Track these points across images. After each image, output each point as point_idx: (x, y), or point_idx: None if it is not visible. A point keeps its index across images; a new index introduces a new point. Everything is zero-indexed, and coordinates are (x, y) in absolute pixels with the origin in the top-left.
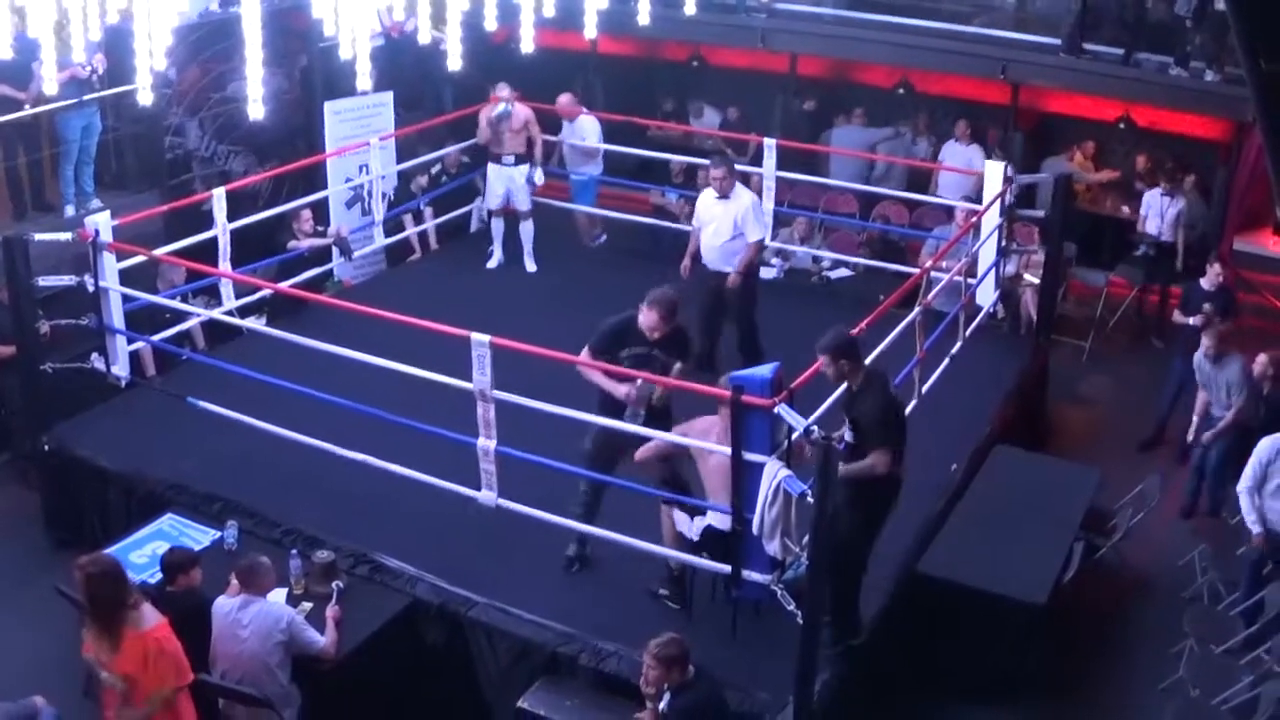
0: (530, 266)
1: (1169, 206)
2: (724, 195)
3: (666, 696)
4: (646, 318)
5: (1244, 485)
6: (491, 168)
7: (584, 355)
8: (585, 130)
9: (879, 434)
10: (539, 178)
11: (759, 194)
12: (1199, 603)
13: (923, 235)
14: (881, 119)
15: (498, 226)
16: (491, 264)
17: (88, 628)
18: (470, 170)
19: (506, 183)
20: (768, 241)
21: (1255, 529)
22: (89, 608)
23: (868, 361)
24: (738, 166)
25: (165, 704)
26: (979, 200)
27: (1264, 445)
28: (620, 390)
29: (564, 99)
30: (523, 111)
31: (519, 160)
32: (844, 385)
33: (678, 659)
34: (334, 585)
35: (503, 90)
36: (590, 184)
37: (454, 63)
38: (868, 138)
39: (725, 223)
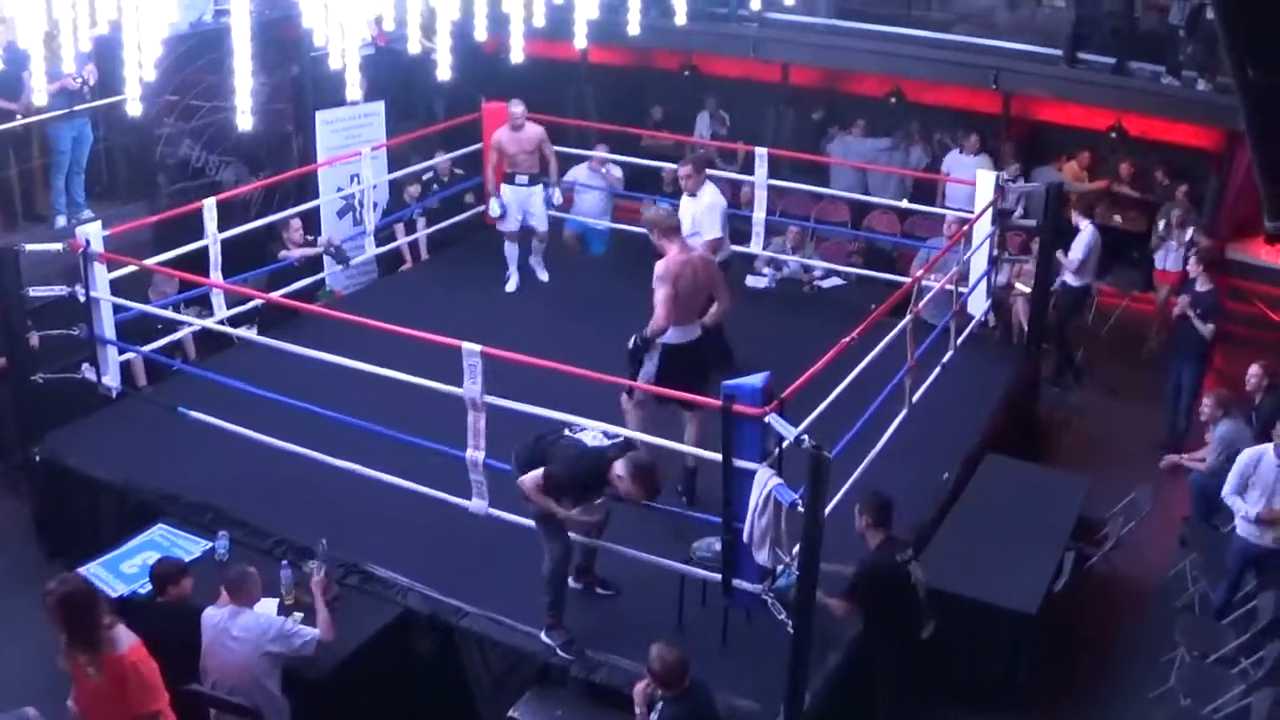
0: (543, 275)
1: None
2: (690, 193)
3: (659, 707)
4: (627, 489)
5: (1227, 491)
6: (505, 188)
7: (539, 486)
8: (615, 177)
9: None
10: (557, 197)
11: (750, 203)
12: (1190, 612)
13: (914, 244)
14: (873, 129)
15: (511, 251)
16: (510, 287)
17: (63, 651)
18: (463, 180)
19: (523, 204)
20: (759, 251)
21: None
22: (66, 629)
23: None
24: (728, 174)
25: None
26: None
27: (1244, 456)
28: (579, 520)
29: (599, 153)
30: (535, 131)
31: (534, 180)
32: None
33: (675, 670)
34: (320, 542)
35: (516, 106)
36: (606, 234)
37: (444, 73)
38: (867, 149)
39: (685, 220)
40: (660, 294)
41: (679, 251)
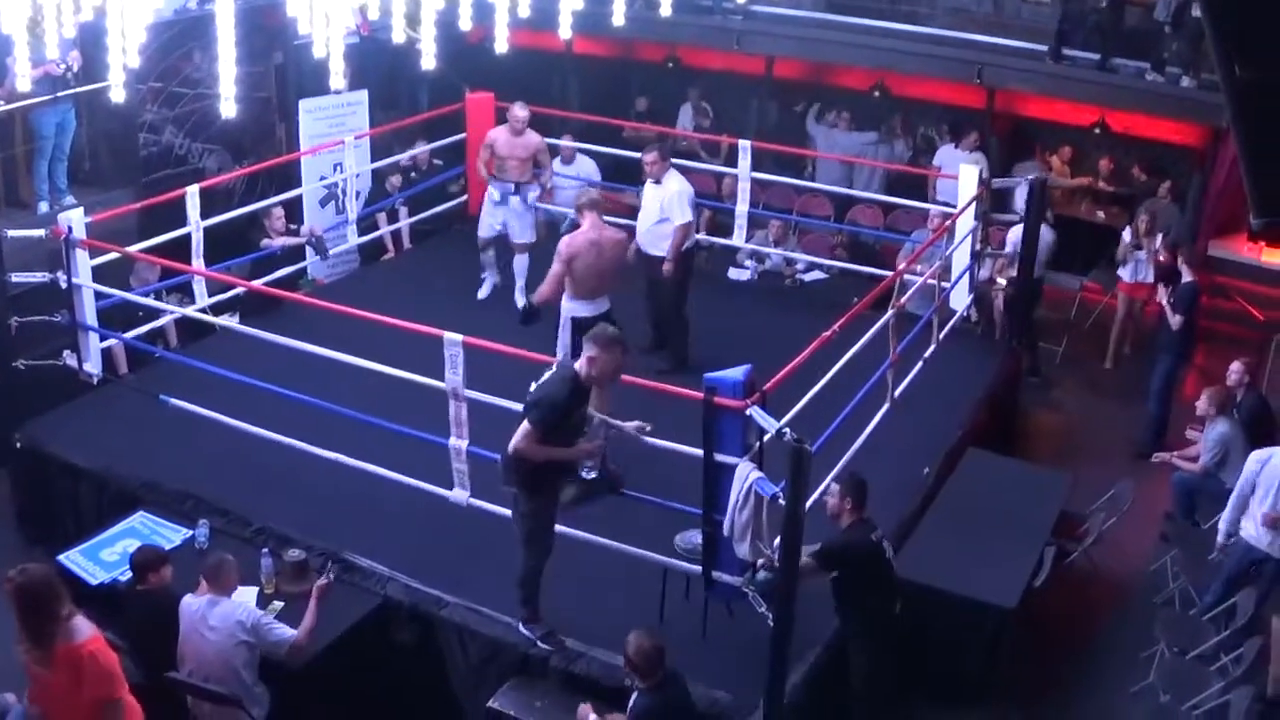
0: (520, 301)
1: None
2: (655, 180)
3: (633, 698)
4: (603, 363)
5: (1233, 500)
6: (488, 192)
7: (529, 436)
8: (586, 169)
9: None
10: (532, 196)
11: (733, 196)
12: (1170, 608)
13: (896, 238)
14: (858, 122)
15: (488, 258)
16: (483, 293)
17: (19, 639)
18: (443, 171)
19: (503, 213)
20: (741, 244)
21: (1221, 539)
22: (19, 619)
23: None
24: (711, 166)
25: (114, 715)
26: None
27: (1250, 461)
28: (584, 450)
29: (565, 142)
30: (534, 139)
31: (518, 189)
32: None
33: (651, 657)
34: (329, 573)
35: (520, 110)
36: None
37: (428, 62)
38: (853, 142)
39: (653, 206)
40: (552, 269)
41: (589, 229)
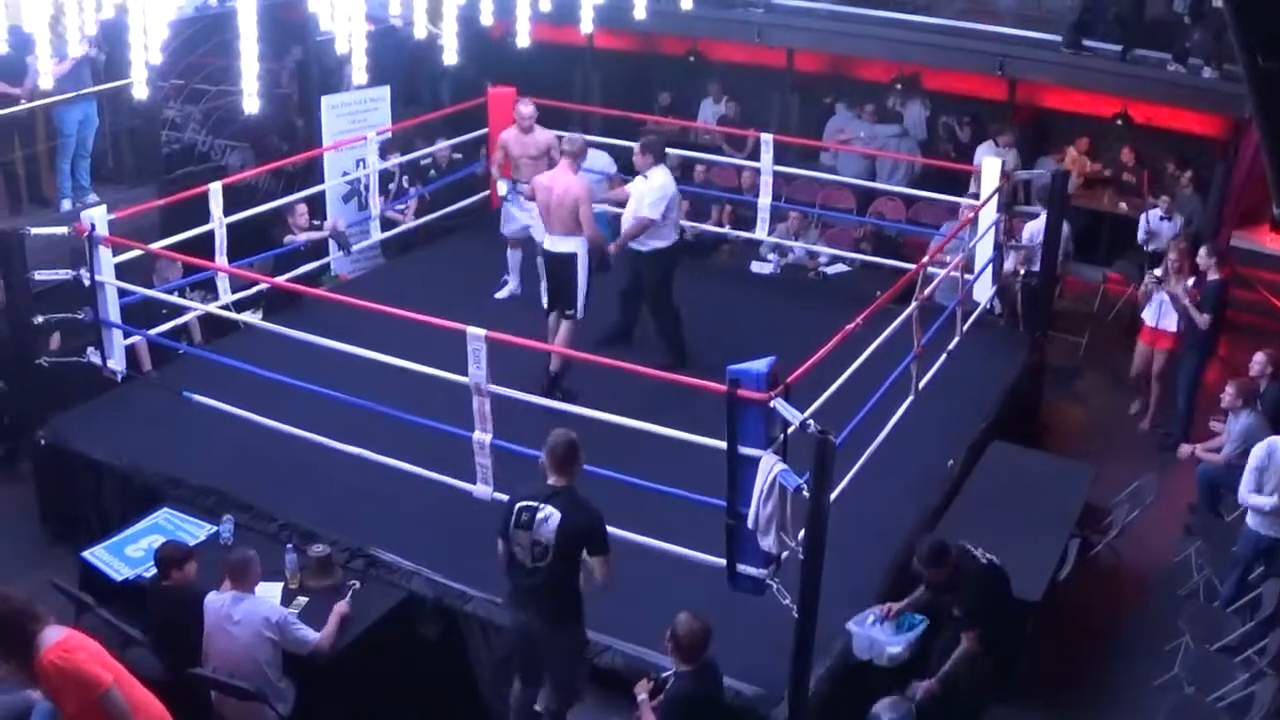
0: (546, 300)
1: (1169, 229)
2: (643, 174)
3: (671, 680)
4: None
5: (1244, 490)
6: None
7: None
8: (601, 163)
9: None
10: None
11: (754, 189)
12: (1194, 600)
13: (919, 231)
14: (881, 114)
15: (513, 258)
16: (502, 294)
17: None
18: (463, 166)
19: (522, 211)
20: (764, 237)
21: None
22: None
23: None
24: (735, 160)
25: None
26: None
27: (1258, 450)
28: None
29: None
30: (545, 136)
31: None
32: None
33: (699, 639)
34: (349, 584)
35: (525, 107)
36: (604, 216)
37: (450, 58)
38: (873, 133)
39: (634, 200)
40: None
41: (557, 170)
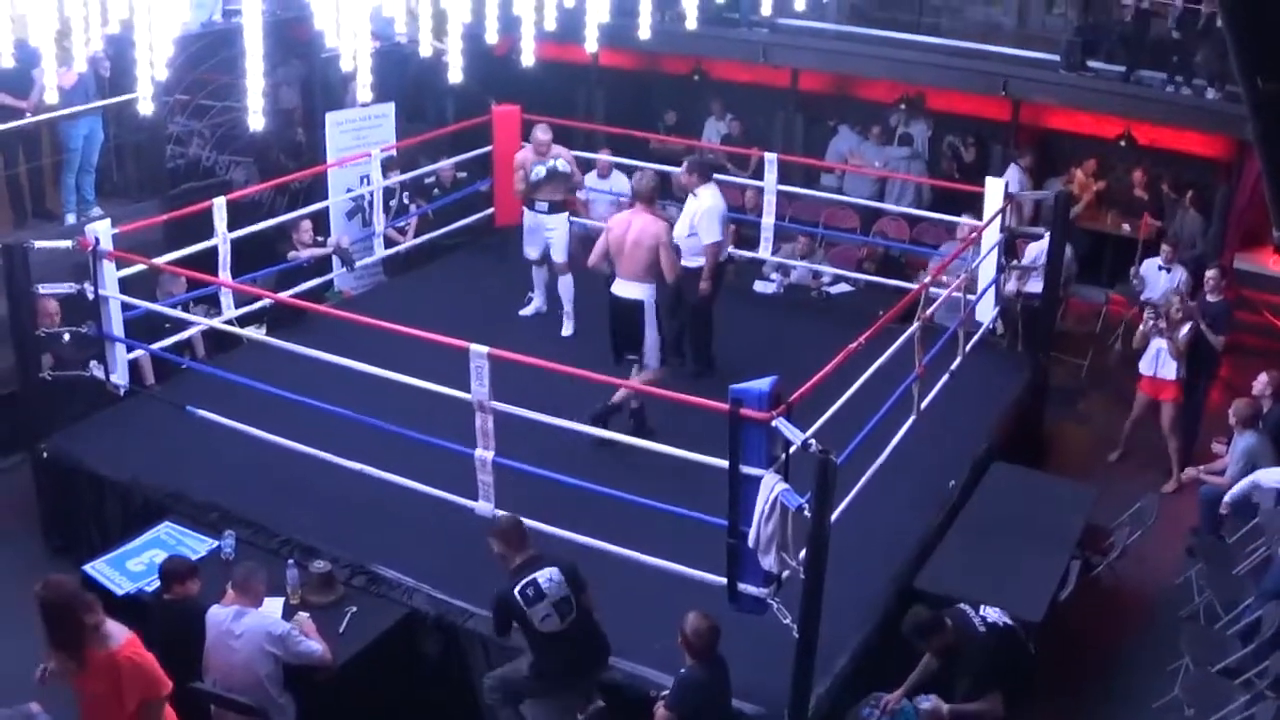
0: (567, 329)
1: (1165, 279)
2: (692, 194)
3: (682, 670)
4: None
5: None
6: (526, 214)
7: None
8: (620, 185)
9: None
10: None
11: (758, 209)
12: (1195, 622)
13: (924, 251)
14: (885, 135)
15: (539, 275)
16: (528, 310)
17: (51, 651)
18: (467, 184)
19: (542, 232)
20: (767, 256)
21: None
22: (48, 632)
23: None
24: (739, 179)
25: (155, 715)
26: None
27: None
28: None
29: (603, 156)
30: (562, 155)
31: (554, 208)
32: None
33: (707, 637)
34: (347, 609)
35: (543, 134)
36: None
37: (455, 75)
38: (883, 155)
39: (684, 220)
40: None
41: (632, 212)
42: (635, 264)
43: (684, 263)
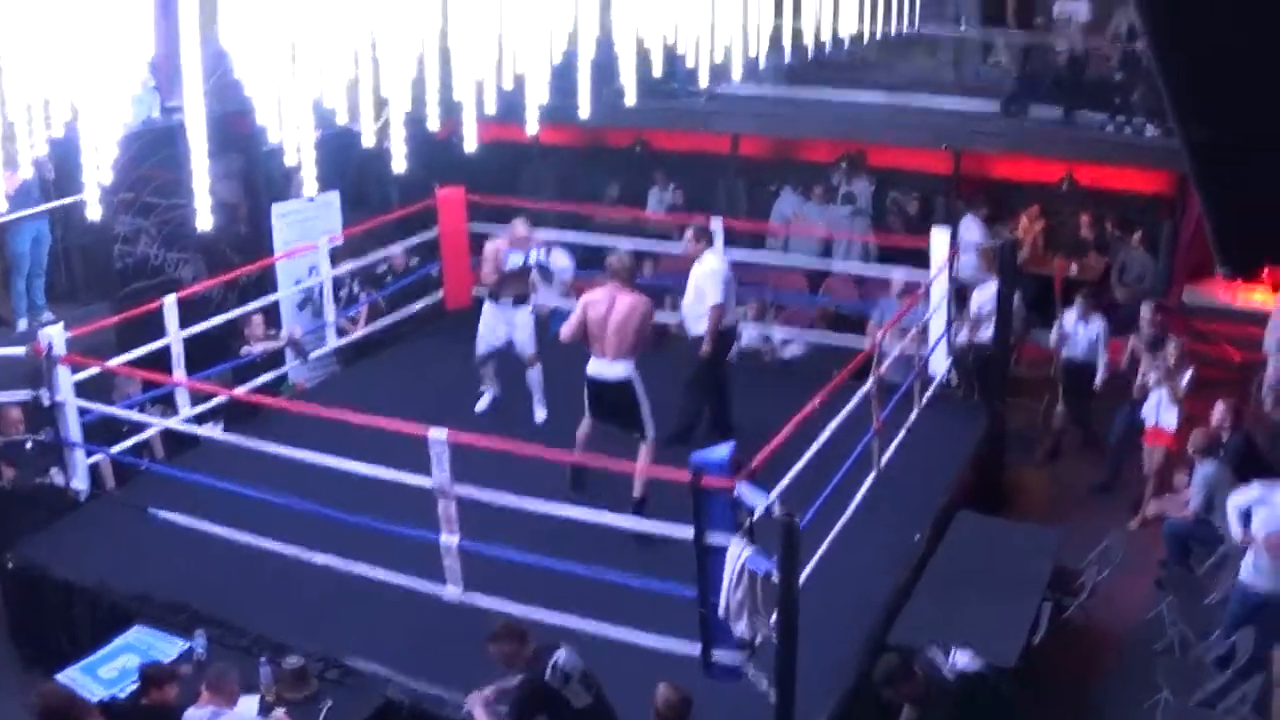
0: (540, 415)
1: (1085, 332)
2: (696, 259)
3: None
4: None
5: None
6: (488, 307)
7: None
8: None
9: None
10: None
11: None
12: (1170, 655)
13: (868, 308)
14: (828, 195)
15: (488, 371)
16: (483, 404)
17: None
18: (418, 269)
19: (506, 326)
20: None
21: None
22: None
23: None
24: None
25: None
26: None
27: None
28: None
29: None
30: (555, 252)
31: (519, 301)
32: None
33: (678, 709)
34: (323, 704)
35: (521, 229)
36: (565, 315)
37: (399, 165)
38: (827, 215)
39: (691, 287)
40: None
41: (607, 289)
42: (622, 343)
43: (693, 330)
